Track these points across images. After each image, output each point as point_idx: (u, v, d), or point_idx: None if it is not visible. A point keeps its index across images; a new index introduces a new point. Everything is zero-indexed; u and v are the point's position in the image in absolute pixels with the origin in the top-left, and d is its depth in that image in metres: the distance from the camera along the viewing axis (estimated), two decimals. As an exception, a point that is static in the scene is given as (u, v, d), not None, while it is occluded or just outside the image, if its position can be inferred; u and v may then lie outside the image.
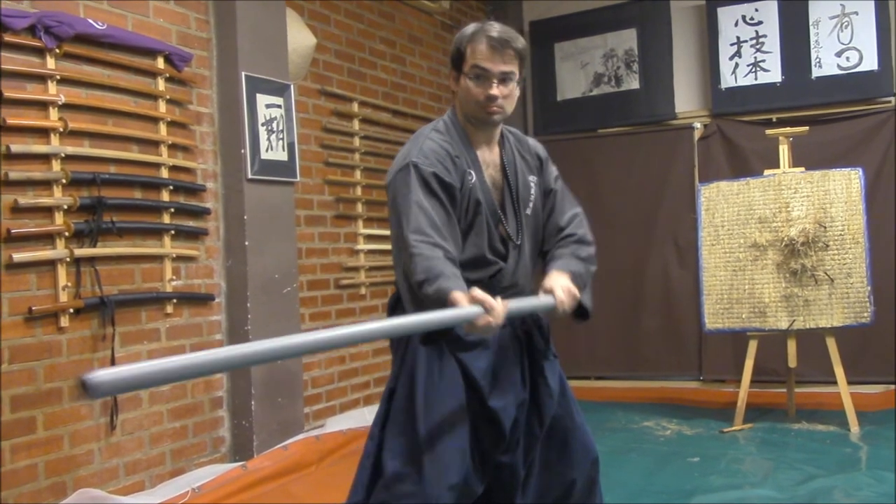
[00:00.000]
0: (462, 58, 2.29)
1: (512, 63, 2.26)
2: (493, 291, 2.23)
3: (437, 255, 2.09)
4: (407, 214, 2.16)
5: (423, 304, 2.07)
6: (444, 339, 2.25)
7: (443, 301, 1.98)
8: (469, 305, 1.93)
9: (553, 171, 2.54)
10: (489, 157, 2.38)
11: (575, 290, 2.24)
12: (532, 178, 2.44)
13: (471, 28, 2.31)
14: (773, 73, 6.09)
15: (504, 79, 2.26)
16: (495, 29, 2.28)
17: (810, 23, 5.95)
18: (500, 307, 1.96)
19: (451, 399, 2.24)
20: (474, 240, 2.30)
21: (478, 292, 1.96)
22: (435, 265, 2.06)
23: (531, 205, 2.42)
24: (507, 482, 2.36)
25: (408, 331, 2.04)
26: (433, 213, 2.16)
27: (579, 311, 2.38)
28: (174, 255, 3.93)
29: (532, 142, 2.54)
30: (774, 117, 6.04)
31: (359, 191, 5.32)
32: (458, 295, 1.96)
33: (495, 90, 2.25)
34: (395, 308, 2.36)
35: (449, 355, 2.27)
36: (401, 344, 2.35)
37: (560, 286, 2.22)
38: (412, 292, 2.14)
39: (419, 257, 2.08)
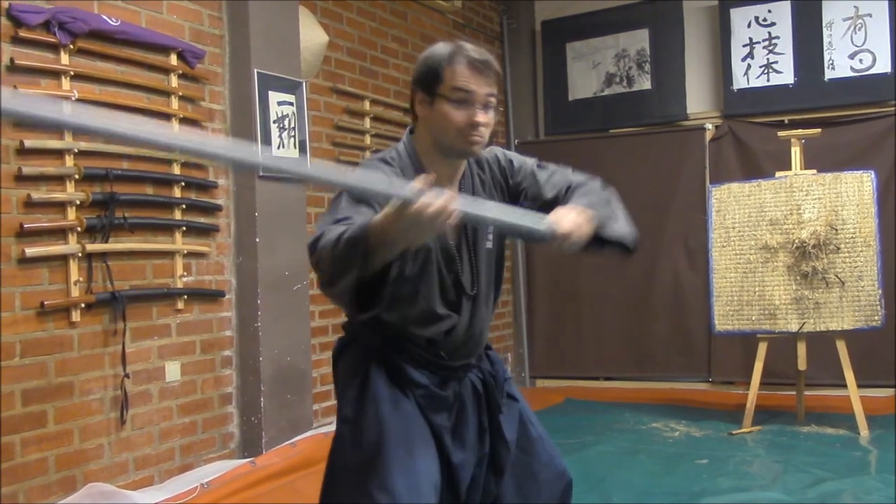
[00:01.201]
0: (438, 79, 2.01)
1: (493, 86, 2.03)
2: (448, 348, 2.12)
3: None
4: (328, 214, 1.95)
5: (342, 269, 1.78)
6: (403, 385, 2.08)
7: (364, 233, 1.71)
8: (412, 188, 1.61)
9: (525, 167, 2.25)
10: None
11: (588, 214, 1.99)
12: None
13: (445, 47, 2.05)
14: (785, 74, 6.06)
15: (486, 104, 2.02)
16: (473, 49, 2.03)
17: (823, 24, 5.93)
18: (450, 200, 1.62)
19: (424, 445, 2.05)
20: (424, 291, 2.06)
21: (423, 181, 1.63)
22: (351, 223, 1.82)
23: (491, 236, 2.17)
24: None
25: (332, 181, 1.75)
26: (362, 209, 1.90)
27: (618, 246, 2.13)
28: (185, 252, 3.95)
29: (493, 154, 2.25)
30: (786, 119, 6.02)
31: (369, 189, 5.32)
32: (381, 214, 1.68)
33: (482, 117, 2.00)
34: (341, 353, 2.19)
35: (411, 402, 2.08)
36: (353, 381, 2.11)
37: (563, 213, 1.95)
38: (331, 266, 1.81)
39: (331, 229, 1.82)
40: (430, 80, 2.03)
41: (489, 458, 2.22)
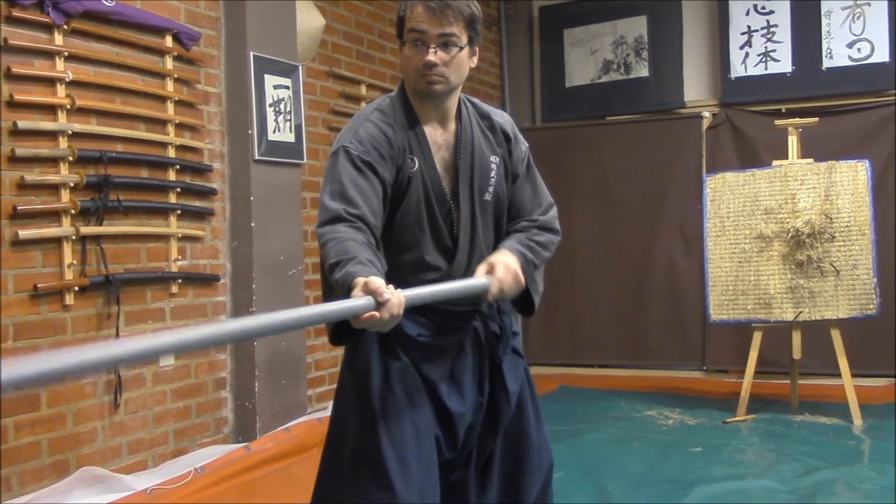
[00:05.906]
0: (402, 23, 2.06)
1: (454, 25, 2.00)
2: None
3: (355, 238, 1.88)
4: (331, 184, 1.99)
5: (331, 288, 1.89)
6: (397, 341, 2.07)
7: (347, 288, 1.75)
8: (359, 296, 1.69)
9: (521, 151, 2.25)
10: (441, 136, 2.13)
11: (519, 273, 2.04)
12: (493, 159, 2.17)
13: None
14: (783, 63, 6.05)
15: (445, 43, 2.00)
16: None
17: (822, 13, 5.91)
18: (396, 300, 1.70)
19: (413, 407, 2.05)
20: (418, 238, 2.09)
21: (372, 282, 1.69)
22: (349, 247, 1.84)
23: (491, 188, 2.16)
24: (457, 502, 2.20)
25: (289, 326, 1.73)
26: (362, 183, 1.97)
27: (523, 303, 2.19)
28: (180, 235, 3.92)
29: (499, 116, 2.26)
30: (784, 108, 6.00)
31: (365, 174, 5.30)
32: (360, 281, 1.72)
33: (432, 56, 1.99)
34: None
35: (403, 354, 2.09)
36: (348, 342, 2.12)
37: (503, 264, 2.01)
38: (323, 271, 1.93)
39: (334, 241, 1.87)
40: (398, 26, 2.10)
41: (488, 410, 2.20)
